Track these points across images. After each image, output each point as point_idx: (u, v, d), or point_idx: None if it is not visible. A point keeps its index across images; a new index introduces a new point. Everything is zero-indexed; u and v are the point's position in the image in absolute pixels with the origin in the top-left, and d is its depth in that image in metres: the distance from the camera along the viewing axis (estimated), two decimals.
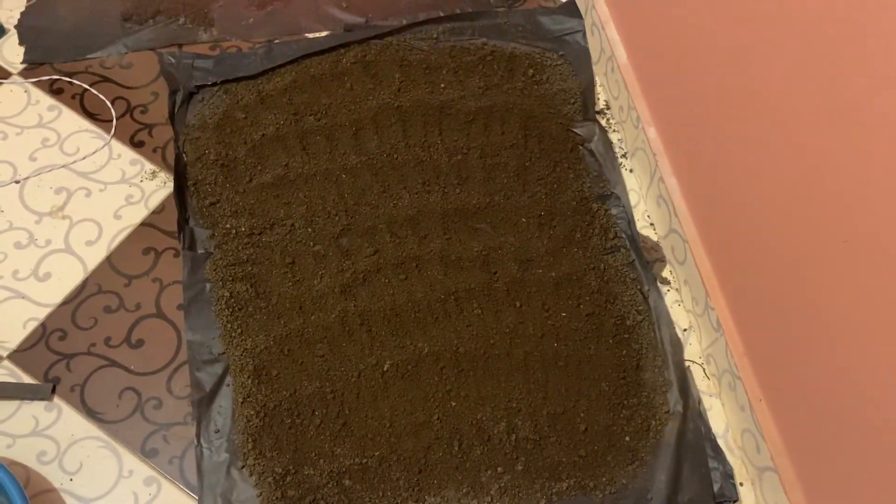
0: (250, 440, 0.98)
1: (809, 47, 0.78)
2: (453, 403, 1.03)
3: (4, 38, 1.27)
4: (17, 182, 1.14)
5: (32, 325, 1.04)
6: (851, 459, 0.83)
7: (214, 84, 1.24)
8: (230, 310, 1.06)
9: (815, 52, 0.77)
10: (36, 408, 0.99)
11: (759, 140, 0.89)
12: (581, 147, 1.23)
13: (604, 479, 1.00)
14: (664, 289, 1.14)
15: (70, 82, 1.23)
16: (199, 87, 1.24)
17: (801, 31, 0.79)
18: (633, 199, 1.21)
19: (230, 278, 1.08)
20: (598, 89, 1.31)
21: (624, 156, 1.25)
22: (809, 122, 0.79)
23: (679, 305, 1.13)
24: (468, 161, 1.20)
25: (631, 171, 1.24)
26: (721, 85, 0.96)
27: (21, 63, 1.24)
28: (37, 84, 1.23)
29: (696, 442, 1.03)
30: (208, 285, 1.08)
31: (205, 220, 1.13)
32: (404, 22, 1.32)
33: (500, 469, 0.99)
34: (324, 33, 1.32)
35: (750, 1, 0.87)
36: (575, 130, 1.24)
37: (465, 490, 0.98)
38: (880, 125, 0.69)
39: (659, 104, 1.14)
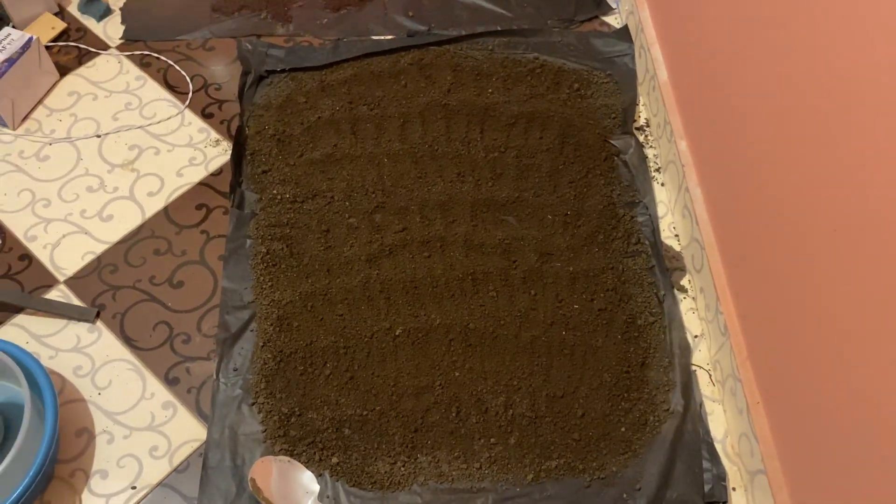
0: (263, 381, 1.05)
1: (833, 70, 0.81)
2: (457, 374, 1.07)
3: (109, 17, 1.43)
4: (98, 136, 1.28)
5: (89, 258, 1.16)
6: (837, 465, 0.83)
7: (283, 71, 1.36)
8: (265, 264, 1.15)
9: (837, 76, 0.81)
10: (80, 328, 1.10)
11: (780, 155, 0.92)
12: (616, 158, 1.28)
13: (594, 464, 1.01)
14: (680, 296, 1.16)
15: (158, 58, 1.38)
16: (269, 72, 1.36)
17: (824, 56, 0.83)
18: (661, 210, 1.24)
19: (269, 237, 1.17)
20: (640, 108, 1.36)
21: (657, 170, 1.29)
22: (831, 139, 0.82)
23: (693, 313, 1.15)
24: (504, 159, 1.27)
25: (662, 184, 1.27)
26: (749, 103, 1.00)
27: (119, 39, 1.40)
28: (129, 57, 1.38)
29: (693, 442, 1.03)
30: (249, 241, 1.17)
31: (255, 185, 1.23)
32: (463, 32, 1.42)
33: (493, 440, 1.02)
34: (388, 37, 1.43)
35: (781, 27, 0.91)
36: (611, 142, 1.29)
37: (456, 454, 1.01)
38: None
39: (692, 118, 1.19)
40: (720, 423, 1.06)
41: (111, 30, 1.42)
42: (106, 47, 1.39)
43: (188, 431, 1.02)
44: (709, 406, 1.07)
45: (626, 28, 1.44)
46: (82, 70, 1.36)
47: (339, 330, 1.10)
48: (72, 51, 1.38)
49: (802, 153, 0.87)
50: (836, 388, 0.83)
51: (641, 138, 1.32)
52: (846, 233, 0.79)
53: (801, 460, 0.89)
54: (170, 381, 1.06)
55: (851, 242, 0.78)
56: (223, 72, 1.37)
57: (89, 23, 1.42)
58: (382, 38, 1.43)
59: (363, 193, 1.22)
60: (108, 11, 1.43)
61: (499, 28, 1.43)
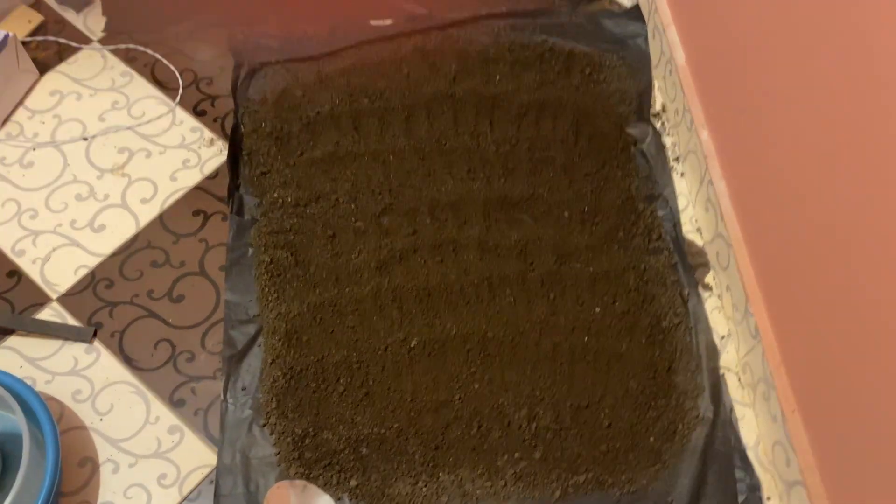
0: (274, 400, 1.00)
1: (867, 53, 0.76)
2: (476, 386, 1.02)
3: (89, 7, 1.35)
4: (84, 139, 1.21)
5: (83, 272, 1.09)
6: (883, 481, 0.79)
7: (278, 62, 1.28)
8: (269, 275, 1.09)
9: (872, 58, 0.75)
10: (76, 349, 1.04)
11: (812, 144, 0.87)
12: (632, 147, 1.22)
13: (623, 478, 0.97)
14: (705, 294, 1.11)
15: (144, 51, 1.29)
16: (263, 64, 1.28)
17: (860, 36, 0.77)
18: (681, 203, 1.19)
19: (272, 245, 1.11)
20: (656, 92, 1.29)
21: (676, 159, 1.23)
22: (865, 129, 0.77)
23: (719, 312, 1.10)
24: (516, 152, 1.20)
25: (682, 174, 1.22)
26: (777, 88, 0.94)
27: (101, 31, 1.32)
28: (113, 51, 1.30)
29: (725, 450, 0.99)
30: (251, 250, 1.11)
31: (254, 188, 1.16)
32: (466, 15, 1.34)
33: (517, 455, 0.98)
34: (387, 21, 1.35)
35: (811, 5, 0.85)
36: (628, 131, 1.23)
37: (479, 471, 0.97)
38: None
39: (714, 106, 1.13)
40: (751, 428, 1.02)
41: (92, 21, 1.33)
42: (88, 41, 1.31)
43: (197, 457, 0.98)
44: (739, 410, 1.03)
45: (637, 7, 1.37)
46: (64, 67, 1.28)
47: (351, 343, 1.04)
48: (51, 46, 1.30)
49: (841, 144, 0.81)
50: (883, 399, 0.78)
51: (658, 125, 1.26)
52: (892, 231, 0.74)
53: (845, 475, 0.86)
54: (175, 404, 1.01)
55: None
56: (214, 64, 1.29)
57: (68, 14, 1.34)
58: (382, 23, 1.35)
59: (369, 194, 1.16)
60: (87, 1, 1.35)
61: (504, 9, 1.35)
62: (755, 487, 0.97)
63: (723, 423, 1.01)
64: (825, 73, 0.83)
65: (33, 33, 1.30)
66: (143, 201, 1.15)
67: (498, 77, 1.28)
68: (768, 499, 0.97)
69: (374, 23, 1.35)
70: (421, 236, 1.12)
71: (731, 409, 1.02)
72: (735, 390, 1.04)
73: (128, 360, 1.03)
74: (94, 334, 1.05)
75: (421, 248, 1.11)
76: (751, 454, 1.00)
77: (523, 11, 1.35)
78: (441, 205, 1.15)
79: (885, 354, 0.76)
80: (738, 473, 0.98)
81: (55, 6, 1.34)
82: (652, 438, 1.00)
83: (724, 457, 0.99)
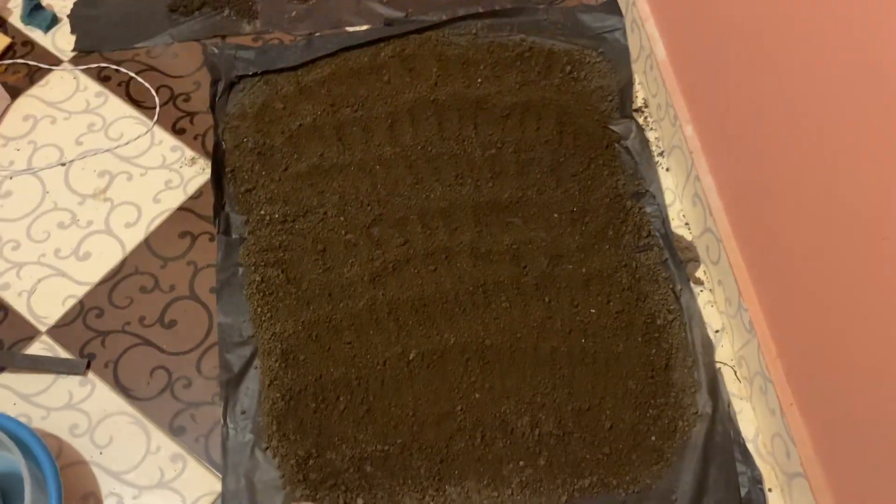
0: (275, 422, 1.00)
1: (852, 48, 0.76)
2: (477, 395, 1.02)
3: (57, 26, 1.31)
4: (62, 165, 1.18)
5: (71, 303, 1.07)
6: (884, 471, 0.80)
7: (255, 74, 1.26)
8: (261, 294, 1.08)
9: (857, 53, 0.75)
10: (70, 382, 1.02)
11: (798, 137, 0.87)
12: (617, 144, 1.22)
13: (627, 478, 0.98)
14: (697, 289, 1.12)
15: (117, 70, 1.27)
16: (241, 77, 1.26)
17: (845, 30, 0.77)
18: (668, 198, 1.19)
19: (262, 263, 1.10)
20: (637, 87, 1.29)
21: (661, 154, 1.23)
22: (851, 122, 0.77)
23: (712, 306, 1.11)
24: (502, 155, 1.20)
25: (667, 169, 1.22)
26: (762, 80, 0.94)
27: (72, 51, 1.29)
28: (86, 71, 1.27)
29: (725, 445, 1.00)
30: (241, 269, 1.10)
31: (240, 206, 1.15)
32: (444, 17, 1.33)
33: (521, 463, 0.99)
34: (364, 27, 1.33)
35: None
36: (611, 128, 1.23)
37: (485, 482, 0.98)
38: None
39: (697, 101, 1.13)
40: (750, 421, 1.03)
41: (61, 41, 1.30)
42: (58, 62, 1.28)
43: (202, 484, 0.97)
44: (737, 404, 1.04)
45: (613, 0, 1.36)
46: (35, 90, 1.25)
47: (348, 360, 1.04)
48: (20, 69, 1.27)
49: (827, 134, 0.81)
50: (880, 389, 0.79)
51: (640, 120, 1.26)
52: (881, 222, 0.75)
53: (846, 465, 0.87)
54: (175, 432, 1.00)
55: (888, 228, 0.74)
56: (190, 80, 1.27)
57: (36, 35, 1.30)
58: (358, 28, 1.33)
59: (358, 206, 1.15)
60: (54, 21, 1.31)
61: (480, 10, 1.34)
62: (757, 480, 0.99)
63: (722, 418, 1.02)
64: (810, 63, 0.83)
65: (1, 56, 1.27)
66: (128, 225, 1.13)
67: (479, 79, 1.27)
68: (769, 490, 0.99)
69: (350, 29, 1.33)
70: (413, 246, 1.12)
71: (729, 404, 1.04)
72: (732, 384, 1.06)
73: (124, 390, 1.02)
74: (88, 366, 1.03)
75: (413, 257, 1.11)
76: (751, 447, 1.01)
77: (500, 11, 1.34)
78: (431, 212, 1.14)
79: (881, 344, 0.77)
80: (740, 467, 0.99)
81: (21, 27, 1.31)
82: (653, 437, 1.01)
83: (724, 451, 1.00)
